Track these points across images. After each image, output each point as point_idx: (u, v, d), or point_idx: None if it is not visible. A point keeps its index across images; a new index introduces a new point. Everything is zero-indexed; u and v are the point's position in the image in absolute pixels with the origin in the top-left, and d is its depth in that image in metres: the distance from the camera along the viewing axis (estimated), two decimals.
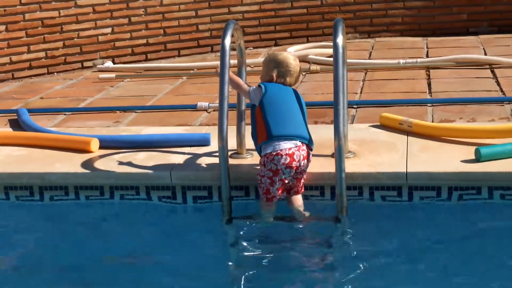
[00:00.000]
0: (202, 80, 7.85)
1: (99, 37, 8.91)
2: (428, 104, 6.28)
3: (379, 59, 8.13)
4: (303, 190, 4.67)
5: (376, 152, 5.03)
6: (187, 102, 6.76)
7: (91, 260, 4.45)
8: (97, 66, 8.80)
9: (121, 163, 5.16)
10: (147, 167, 5.03)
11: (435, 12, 9.66)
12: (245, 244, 4.49)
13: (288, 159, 4.47)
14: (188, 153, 5.26)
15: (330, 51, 7.55)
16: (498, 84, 6.82)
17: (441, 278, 4.04)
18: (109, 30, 8.94)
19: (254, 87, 4.71)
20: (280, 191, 4.55)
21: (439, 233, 4.51)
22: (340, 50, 4.55)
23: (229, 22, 4.82)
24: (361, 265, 4.16)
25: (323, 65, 7.94)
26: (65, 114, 6.70)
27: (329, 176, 4.64)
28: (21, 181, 5.12)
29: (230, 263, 4.38)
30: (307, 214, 4.63)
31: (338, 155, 4.41)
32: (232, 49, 4.80)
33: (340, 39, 4.57)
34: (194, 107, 6.56)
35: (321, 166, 4.77)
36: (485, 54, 8.17)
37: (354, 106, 6.31)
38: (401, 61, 7.80)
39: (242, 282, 4.06)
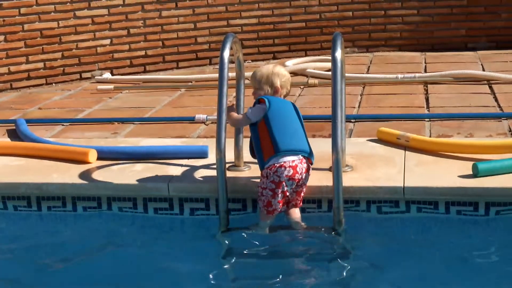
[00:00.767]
0: (200, 92, 7.86)
1: (98, 48, 8.92)
2: (426, 119, 6.29)
3: (377, 74, 8.15)
4: (301, 204, 4.67)
5: (373, 166, 5.04)
6: (185, 114, 6.76)
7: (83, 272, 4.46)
8: (96, 77, 8.81)
9: (118, 174, 5.16)
10: (145, 179, 5.03)
11: (433, 27, 9.69)
12: (241, 255, 4.48)
13: (291, 171, 4.48)
14: (186, 165, 5.26)
15: (329, 65, 7.59)
16: (496, 100, 6.84)
17: None
18: (107, 41, 8.96)
19: (253, 107, 4.70)
20: (281, 204, 4.55)
21: (435, 247, 4.52)
22: (339, 64, 4.56)
23: (228, 35, 4.83)
24: (357, 278, 4.16)
25: (321, 79, 7.95)
26: (63, 125, 6.70)
27: (327, 190, 4.65)
28: (18, 191, 5.12)
29: (226, 275, 4.37)
30: (304, 226, 4.63)
31: (336, 168, 4.42)
32: (231, 61, 4.81)
33: (338, 53, 4.58)
34: (192, 119, 6.56)
35: (319, 179, 4.78)
36: (483, 69, 8.19)
37: (352, 120, 6.32)
38: (399, 75, 7.81)
39: None
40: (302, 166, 4.53)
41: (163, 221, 4.96)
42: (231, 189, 4.67)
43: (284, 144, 4.52)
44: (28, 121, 6.60)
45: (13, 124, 6.54)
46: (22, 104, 7.70)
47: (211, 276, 4.28)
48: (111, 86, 8.19)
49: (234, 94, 5.15)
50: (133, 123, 6.65)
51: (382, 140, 5.59)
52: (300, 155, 4.54)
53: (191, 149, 5.50)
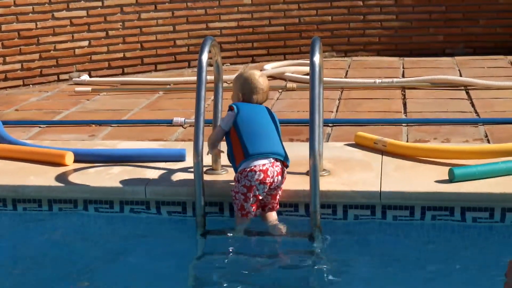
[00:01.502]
0: (179, 95, 7.85)
1: (76, 50, 8.89)
2: (403, 124, 6.32)
3: (356, 78, 8.17)
4: (278, 207, 4.69)
5: (350, 171, 5.05)
6: (163, 117, 6.76)
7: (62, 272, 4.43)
8: (73, 79, 8.78)
9: (95, 177, 5.14)
10: (122, 182, 5.02)
11: (412, 33, 9.73)
12: (218, 258, 4.48)
13: (262, 175, 4.48)
14: (163, 168, 5.25)
15: (307, 69, 7.60)
16: (473, 105, 6.88)
17: None
18: (86, 43, 8.93)
19: (222, 119, 4.74)
20: (254, 208, 4.56)
21: (411, 252, 4.54)
22: (317, 69, 4.57)
23: (207, 38, 4.83)
24: (333, 282, 4.17)
25: (300, 82, 7.96)
26: (40, 127, 6.67)
27: (304, 194, 4.66)
28: None
29: (201, 278, 4.37)
30: (281, 230, 4.63)
31: (313, 173, 4.43)
32: (209, 65, 4.81)
33: (317, 58, 4.59)
34: (170, 122, 6.55)
35: (296, 183, 4.78)
36: (461, 75, 8.23)
37: (330, 125, 6.34)
38: (377, 80, 7.84)
39: None
40: (273, 169, 4.53)
41: (139, 223, 4.95)
42: (208, 193, 4.67)
43: (253, 147, 4.53)
44: (5, 123, 6.55)
45: None
46: None
47: (186, 278, 4.28)
48: (89, 88, 8.16)
49: (212, 97, 5.15)
50: (111, 126, 6.63)
51: (360, 145, 5.61)
52: (271, 158, 4.54)
53: (168, 152, 5.49)
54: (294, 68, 8.56)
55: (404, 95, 7.41)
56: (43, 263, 4.58)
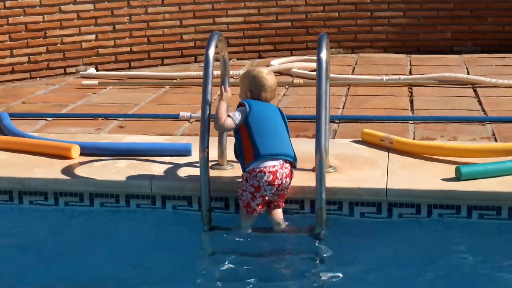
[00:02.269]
0: (185, 90, 7.84)
1: (83, 43, 8.88)
2: (410, 121, 6.31)
3: (362, 75, 8.16)
4: (283, 204, 4.67)
5: (357, 168, 5.04)
6: (169, 112, 6.75)
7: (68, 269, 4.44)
8: (80, 72, 8.77)
9: (101, 170, 5.14)
10: (128, 176, 5.02)
11: (419, 30, 9.71)
12: (223, 254, 4.48)
13: (271, 177, 4.47)
14: (169, 163, 5.25)
15: (314, 65, 7.59)
16: (480, 103, 6.86)
17: None
18: (93, 36, 8.92)
19: (235, 111, 4.66)
20: (260, 207, 4.56)
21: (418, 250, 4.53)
22: (324, 65, 4.56)
23: (214, 33, 4.82)
24: (338, 279, 4.16)
25: (306, 79, 7.95)
26: (46, 120, 6.67)
27: (309, 190, 4.65)
28: (0, 185, 5.09)
29: (207, 273, 4.36)
30: (286, 227, 4.63)
31: (319, 169, 4.42)
32: (216, 60, 4.80)
33: (324, 54, 4.58)
34: (176, 117, 6.55)
35: (302, 180, 4.77)
36: (468, 73, 8.21)
37: (336, 121, 6.32)
38: (384, 77, 7.82)
39: None
40: (282, 171, 4.52)
41: (144, 216, 4.96)
42: (214, 188, 4.66)
43: (265, 148, 4.50)
44: (12, 115, 6.57)
45: None
46: (6, 98, 7.66)
47: (190, 274, 4.28)
48: (95, 82, 8.16)
49: (219, 92, 5.14)
50: (117, 119, 6.62)
51: (366, 142, 5.60)
52: (281, 160, 4.52)
53: (174, 146, 5.48)
54: (301, 64, 8.54)
55: (411, 93, 7.39)
56: (44, 255, 4.59)
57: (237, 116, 4.61)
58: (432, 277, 4.22)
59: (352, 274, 4.24)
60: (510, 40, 9.54)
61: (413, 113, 6.62)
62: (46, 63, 8.70)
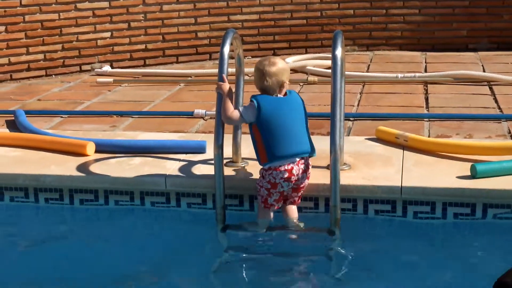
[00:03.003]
0: (200, 87, 7.85)
1: (98, 41, 8.91)
2: (425, 119, 6.29)
3: (377, 72, 8.14)
4: (299, 201, 4.66)
5: (371, 165, 5.03)
6: (184, 109, 6.76)
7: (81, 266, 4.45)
8: (95, 70, 8.80)
9: (116, 167, 5.15)
10: (142, 173, 5.02)
11: (434, 27, 9.69)
12: (238, 252, 4.48)
13: (287, 174, 4.47)
14: (184, 160, 5.25)
15: (329, 62, 7.57)
16: (496, 101, 6.83)
17: None
18: (108, 34, 8.95)
19: (244, 106, 4.62)
20: (278, 201, 4.56)
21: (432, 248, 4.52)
22: (339, 62, 4.55)
23: (229, 31, 4.81)
24: (352, 277, 4.16)
25: (321, 76, 7.94)
26: (61, 117, 6.69)
27: (324, 188, 4.64)
28: (16, 182, 5.12)
29: (221, 272, 4.37)
30: (301, 225, 4.62)
31: (334, 167, 4.41)
32: (231, 57, 4.79)
33: (339, 51, 4.57)
34: (191, 114, 6.56)
35: (316, 177, 4.76)
36: (484, 70, 8.18)
37: (351, 119, 6.32)
38: (399, 75, 7.80)
39: None
40: (298, 168, 4.50)
41: (159, 214, 4.97)
42: (228, 185, 4.66)
43: (278, 151, 4.45)
44: (27, 112, 6.60)
45: (12, 115, 6.54)
46: (22, 95, 7.69)
47: (205, 272, 4.29)
48: (110, 79, 8.18)
49: (234, 90, 5.13)
50: (132, 117, 6.64)
51: (381, 139, 5.59)
52: (296, 158, 4.50)
53: (189, 144, 5.49)
54: (316, 62, 8.54)
55: (426, 90, 7.37)
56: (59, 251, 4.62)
57: (244, 110, 4.56)
58: (448, 277, 4.20)
59: (367, 272, 4.23)
60: None
61: (428, 110, 6.60)
62: (62, 60, 8.74)
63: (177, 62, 9.29)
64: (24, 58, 8.52)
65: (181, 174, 5.01)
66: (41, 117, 6.65)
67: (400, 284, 4.13)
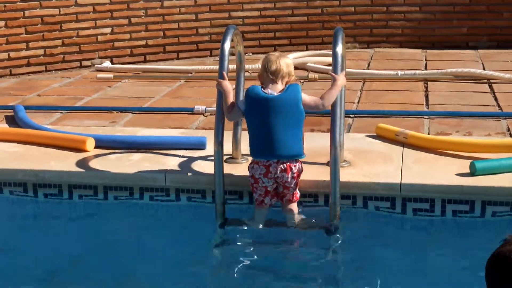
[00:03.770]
0: (200, 83, 7.85)
1: (99, 36, 8.91)
2: (425, 116, 6.29)
3: (378, 70, 8.14)
4: (297, 198, 4.64)
5: (371, 162, 5.03)
6: (184, 105, 6.76)
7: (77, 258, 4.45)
8: (96, 65, 8.80)
9: (116, 163, 5.15)
10: (142, 169, 5.03)
11: (435, 25, 9.68)
12: (236, 248, 4.49)
13: (264, 170, 4.48)
14: (184, 156, 5.26)
15: (329, 59, 7.57)
16: (496, 99, 6.83)
17: None
18: (108, 30, 8.95)
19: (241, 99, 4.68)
20: (265, 197, 4.56)
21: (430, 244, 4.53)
22: (339, 59, 4.55)
23: (229, 27, 4.81)
24: (351, 274, 4.16)
25: (322, 73, 7.94)
26: (61, 113, 6.70)
27: (324, 184, 4.65)
28: (15, 177, 5.12)
29: (220, 266, 4.37)
30: (300, 221, 4.61)
31: (334, 163, 4.41)
32: (231, 54, 4.79)
33: (339, 48, 4.57)
34: (191, 110, 6.56)
35: (316, 174, 4.77)
36: (484, 68, 8.18)
37: (351, 116, 6.32)
38: (400, 72, 7.80)
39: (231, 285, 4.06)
40: (277, 166, 4.46)
41: (158, 210, 4.97)
42: (228, 181, 4.67)
43: (256, 151, 4.52)
44: (27, 108, 6.60)
45: (12, 111, 6.54)
46: (21, 91, 7.69)
47: (203, 267, 4.29)
48: (110, 75, 8.18)
49: (234, 86, 5.14)
50: (132, 113, 6.64)
51: (381, 136, 5.59)
52: (274, 159, 4.49)
53: (189, 140, 5.49)
54: (316, 59, 8.54)
55: (426, 88, 7.37)
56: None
57: (240, 101, 4.60)
58: (448, 272, 4.21)
59: (366, 269, 4.24)
60: None
61: (428, 108, 6.61)
62: (62, 56, 8.74)
63: (178, 58, 9.29)
64: (24, 53, 8.52)
65: (181, 170, 5.02)
66: (41, 113, 6.65)
67: (400, 281, 4.14)
